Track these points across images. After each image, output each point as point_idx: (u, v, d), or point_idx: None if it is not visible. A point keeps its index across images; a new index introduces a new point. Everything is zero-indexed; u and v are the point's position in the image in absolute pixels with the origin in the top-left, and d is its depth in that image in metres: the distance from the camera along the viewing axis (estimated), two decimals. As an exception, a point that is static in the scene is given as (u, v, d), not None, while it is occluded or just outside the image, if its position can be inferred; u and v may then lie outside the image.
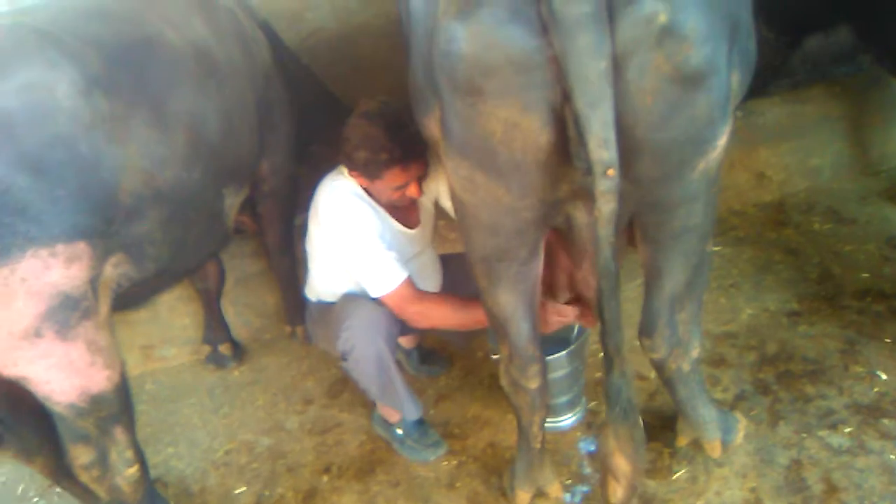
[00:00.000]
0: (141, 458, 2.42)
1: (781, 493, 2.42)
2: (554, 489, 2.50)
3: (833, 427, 2.64)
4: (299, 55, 3.78)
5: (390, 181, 2.51)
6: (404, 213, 2.71)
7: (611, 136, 1.54)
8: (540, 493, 2.52)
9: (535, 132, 1.63)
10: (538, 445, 2.39)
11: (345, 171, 2.63)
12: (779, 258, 3.76)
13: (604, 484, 2.00)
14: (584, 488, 2.58)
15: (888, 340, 3.02)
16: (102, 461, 2.33)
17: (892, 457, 2.47)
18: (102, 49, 2.25)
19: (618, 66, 1.53)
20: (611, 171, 1.56)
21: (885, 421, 2.63)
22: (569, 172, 1.70)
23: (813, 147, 4.34)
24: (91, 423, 2.25)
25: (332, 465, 2.94)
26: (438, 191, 2.77)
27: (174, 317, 3.80)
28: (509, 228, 1.89)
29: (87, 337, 2.18)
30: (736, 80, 1.83)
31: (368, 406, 3.15)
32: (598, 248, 1.68)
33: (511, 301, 2.06)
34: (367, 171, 2.50)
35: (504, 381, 2.30)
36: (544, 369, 2.23)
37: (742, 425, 2.61)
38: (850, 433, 2.60)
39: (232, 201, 2.80)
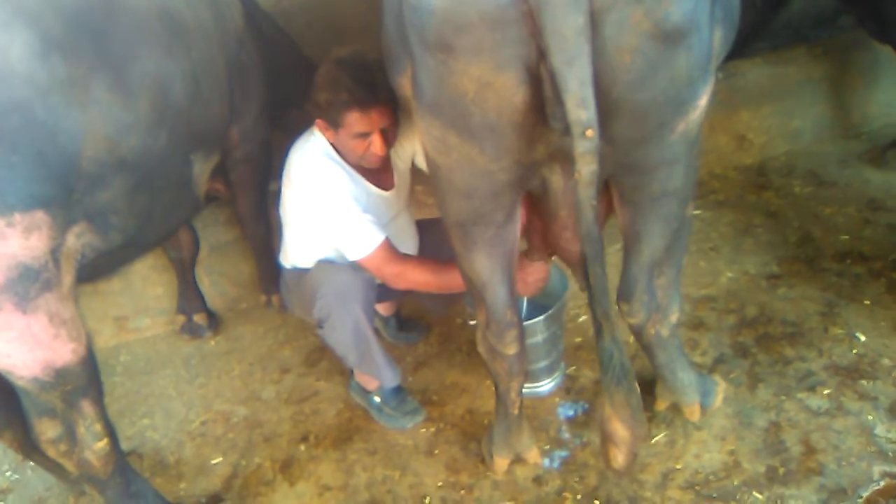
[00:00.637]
0: (111, 432, 2.37)
1: (760, 456, 2.41)
2: (532, 455, 2.49)
3: (812, 389, 2.64)
4: (275, 18, 3.68)
5: (350, 126, 2.42)
6: (378, 174, 2.64)
7: (589, 94, 1.48)
8: (518, 459, 2.51)
9: (510, 91, 1.56)
10: (516, 411, 2.36)
11: (316, 131, 2.55)
12: (759, 221, 3.74)
13: (604, 449, 1.97)
14: (563, 453, 2.57)
15: (867, 302, 3.01)
16: (70, 435, 2.27)
17: (870, 418, 2.47)
18: (61, 9, 2.14)
19: (595, 22, 1.46)
20: (590, 132, 1.51)
21: (864, 382, 2.62)
22: (545, 134, 1.65)
23: (794, 109, 4.31)
24: (56, 397, 2.19)
25: (310, 434, 2.91)
26: (414, 151, 2.71)
27: (148, 287, 3.73)
28: (484, 191, 1.83)
29: (50, 309, 2.11)
30: (718, 38, 1.77)
31: (346, 374, 3.12)
32: (579, 211, 1.62)
33: (487, 265, 2.01)
34: (328, 116, 2.44)
35: (481, 348, 2.26)
36: (522, 335, 2.20)
37: (721, 388, 2.60)
38: (828, 395, 2.60)
39: (201, 168, 2.72)
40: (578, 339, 3.11)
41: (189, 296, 3.64)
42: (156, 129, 2.35)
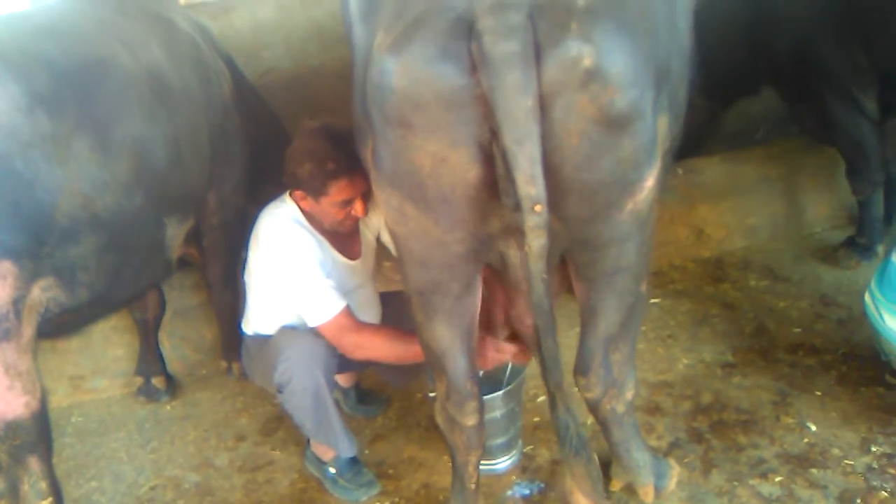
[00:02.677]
0: (56, 491, 2.31)
1: (711, 540, 2.43)
2: (488, 530, 2.47)
3: (764, 476, 2.67)
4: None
5: (336, 194, 2.49)
6: (346, 243, 2.70)
7: (538, 172, 1.57)
8: (472, 537, 2.49)
9: (464, 167, 1.65)
10: (473, 486, 2.36)
11: (287, 199, 2.62)
12: (715, 312, 3.84)
13: None
14: (517, 531, 2.56)
15: (818, 393, 3.08)
16: (13, 492, 2.22)
17: (820, 507, 2.51)
18: (51, 67, 2.22)
19: (544, 106, 1.57)
20: (538, 207, 1.60)
21: (814, 471, 2.67)
22: (498, 209, 1.73)
23: (751, 207, 4.48)
24: (3, 451, 2.16)
25: (261, 504, 2.86)
26: (381, 224, 2.77)
27: (107, 347, 3.70)
28: (439, 262, 1.90)
29: (6, 360, 2.11)
30: (664, 125, 1.88)
31: (302, 444, 3.08)
32: (530, 283, 1.70)
33: (447, 335, 2.05)
34: (312, 186, 2.49)
35: (440, 419, 2.27)
36: (481, 406, 2.22)
37: (675, 472, 2.63)
38: (780, 482, 2.64)
39: (175, 231, 2.75)
40: (536, 419, 3.12)
41: (149, 358, 3.60)
42: (132, 190, 2.40)
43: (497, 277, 2.16)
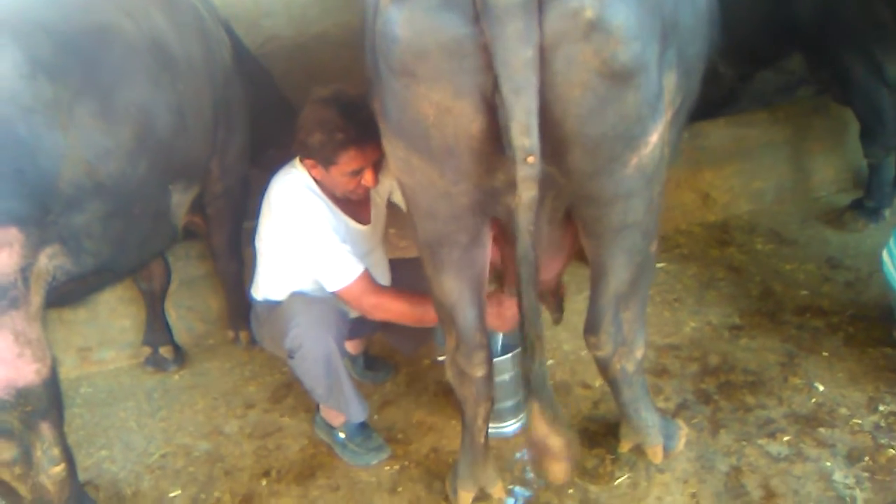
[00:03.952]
0: (69, 458, 2.33)
1: (721, 499, 2.44)
2: (496, 490, 2.48)
3: (772, 436, 2.68)
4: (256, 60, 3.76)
5: (346, 165, 2.48)
6: (356, 208, 2.69)
7: (533, 123, 1.56)
8: (482, 496, 2.50)
9: (467, 118, 1.64)
10: (482, 439, 2.37)
11: (298, 165, 2.60)
12: (722, 275, 3.84)
13: (544, 468, 2.03)
14: (527, 493, 2.57)
15: (826, 354, 3.09)
16: (26, 458, 2.22)
17: (828, 464, 2.52)
18: (53, 33, 2.20)
19: (545, 57, 1.55)
20: (531, 158, 1.59)
21: (822, 430, 2.68)
22: (503, 162, 1.71)
23: (757, 171, 4.46)
24: (15, 418, 2.16)
25: (272, 470, 2.87)
26: (391, 187, 2.76)
27: (114, 318, 3.70)
28: (445, 213, 1.90)
29: (15, 328, 2.10)
30: (671, 81, 1.86)
31: (311, 411, 3.10)
32: (518, 234, 1.71)
33: (456, 287, 2.06)
34: (322, 155, 2.47)
35: (450, 372, 2.28)
36: (490, 358, 2.22)
37: (683, 433, 2.64)
38: (788, 441, 2.65)
39: (180, 199, 2.74)
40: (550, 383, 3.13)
41: (156, 328, 3.61)
42: (136, 158, 2.38)
43: (506, 234, 2.15)
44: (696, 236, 4.26)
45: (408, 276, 2.86)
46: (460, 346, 2.17)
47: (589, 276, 2.19)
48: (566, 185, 1.78)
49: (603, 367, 2.33)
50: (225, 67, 3.08)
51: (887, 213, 4.08)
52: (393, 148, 1.85)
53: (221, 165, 3.11)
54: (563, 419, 2.01)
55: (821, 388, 2.90)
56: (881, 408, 2.76)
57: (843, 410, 2.77)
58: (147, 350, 3.62)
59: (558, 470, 1.99)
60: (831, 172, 4.57)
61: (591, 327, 2.21)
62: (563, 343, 3.37)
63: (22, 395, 2.14)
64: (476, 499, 2.50)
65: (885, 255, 2.81)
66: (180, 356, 3.66)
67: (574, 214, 1.99)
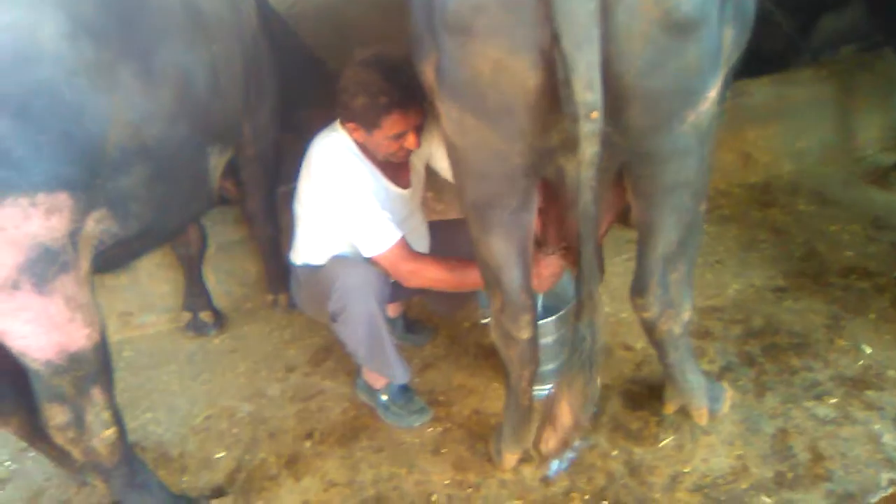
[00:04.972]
0: (119, 421, 2.35)
1: (768, 461, 2.42)
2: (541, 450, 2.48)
3: (818, 398, 2.65)
4: (287, 21, 3.72)
5: (389, 128, 2.45)
6: (397, 172, 2.67)
7: (596, 77, 1.52)
8: (526, 457, 2.51)
9: (524, 74, 1.60)
10: (527, 402, 2.37)
11: (339, 127, 2.58)
12: (764, 237, 3.78)
13: (539, 430, 2.04)
14: (571, 454, 2.56)
15: (872, 316, 3.04)
16: (78, 422, 2.25)
17: (877, 427, 2.49)
18: None
19: (607, 9, 1.51)
20: (594, 114, 1.55)
21: (870, 392, 2.64)
22: (559, 120, 1.67)
23: (800, 130, 4.36)
24: (68, 382, 2.18)
25: (315, 431, 2.90)
26: (430, 152, 2.73)
27: (154, 283, 3.73)
28: (499, 174, 1.87)
29: (66, 292, 2.11)
30: (729, 36, 1.80)
31: (352, 374, 3.12)
32: (580, 190, 1.68)
33: (503, 249, 2.03)
34: (365, 119, 2.45)
35: (495, 334, 2.27)
36: (535, 320, 2.21)
37: (728, 395, 2.61)
38: (835, 404, 2.62)
39: (216, 162, 2.73)
40: (585, 345, 3.12)
41: (195, 293, 3.64)
42: (177, 119, 2.37)
43: (552, 193, 2.12)
44: (737, 197, 4.19)
45: (446, 239, 2.85)
46: (506, 308, 2.15)
47: (636, 238, 2.16)
48: (621, 142, 1.74)
49: (649, 328, 2.30)
50: (252, 28, 3.05)
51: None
52: (447, 109, 1.81)
53: (253, 128, 3.10)
54: (590, 396, 1.99)
55: (868, 350, 2.86)
56: (931, 370, 2.72)
57: (891, 373, 2.72)
58: (187, 315, 3.66)
59: (548, 441, 1.99)
60: (876, 131, 4.45)
61: (638, 289, 2.18)
62: (603, 305, 3.34)
63: (74, 360, 2.16)
64: (519, 461, 2.51)
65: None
66: (220, 320, 3.70)
67: (626, 173, 1.95)
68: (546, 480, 2.49)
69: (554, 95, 1.60)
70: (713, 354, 2.95)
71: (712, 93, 1.74)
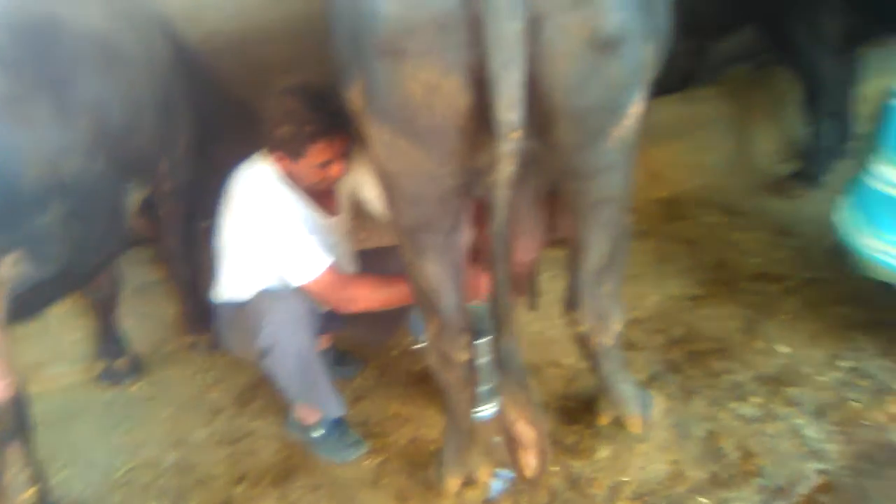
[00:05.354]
0: (42, 477, 2.22)
1: (701, 463, 2.49)
2: (483, 473, 2.47)
3: (742, 398, 2.75)
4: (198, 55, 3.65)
5: (315, 157, 2.43)
6: (323, 201, 2.64)
7: (518, 98, 1.55)
8: (468, 481, 2.49)
9: (455, 95, 1.62)
10: (467, 425, 2.36)
11: (263, 158, 2.54)
12: (677, 249, 3.92)
13: (514, 459, 2.03)
14: (510, 474, 2.56)
15: (784, 317, 3.19)
16: (-5, 480, 2.12)
17: (799, 421, 2.60)
18: (5, 26, 2.09)
19: (534, 29, 1.54)
20: (514, 134, 1.58)
21: (789, 390, 2.76)
22: (488, 139, 1.70)
23: (703, 146, 4.58)
24: (-15, 438, 2.06)
25: (247, 474, 2.79)
26: (358, 182, 2.71)
27: (64, 332, 3.53)
28: (432, 196, 1.87)
29: (-20, 342, 2.00)
30: (650, 53, 1.88)
31: (281, 413, 3.03)
32: (494, 210, 1.69)
33: (438, 271, 2.03)
34: (291, 148, 2.42)
35: (432, 359, 2.25)
36: (473, 341, 2.21)
37: (658, 402, 2.68)
38: (758, 403, 2.72)
39: (134, 198, 2.65)
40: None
41: (109, 339, 3.47)
42: (94, 154, 2.29)
43: (485, 212, 2.13)
44: (649, 213, 4.32)
45: (374, 267, 2.83)
46: (444, 331, 2.15)
47: (558, 255, 2.21)
48: (550, 159, 1.77)
49: (583, 342, 2.34)
50: (166, 62, 2.99)
51: (827, 179, 4.23)
52: (378, 133, 1.80)
53: (170, 163, 3.02)
54: (535, 402, 2.01)
55: (783, 349, 2.99)
56: (841, 364, 2.87)
57: (807, 369, 2.86)
58: (102, 364, 3.48)
59: (529, 460, 2.00)
60: (773, 144, 4.72)
61: (572, 304, 2.22)
62: (529, 324, 3.37)
63: (-11, 416, 2.04)
64: (462, 484, 2.48)
65: (838, 219, 2.89)
66: (137, 367, 3.53)
67: (556, 190, 1.99)
68: (489, 502, 2.47)
69: (484, 116, 1.63)
70: (639, 365, 3.02)
71: (636, 108, 1.80)
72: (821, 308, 3.20)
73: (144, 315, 3.70)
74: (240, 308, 2.64)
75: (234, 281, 2.67)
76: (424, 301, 2.15)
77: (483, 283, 2.41)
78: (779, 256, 3.67)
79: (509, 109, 1.55)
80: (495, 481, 2.52)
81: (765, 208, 4.18)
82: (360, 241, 3.43)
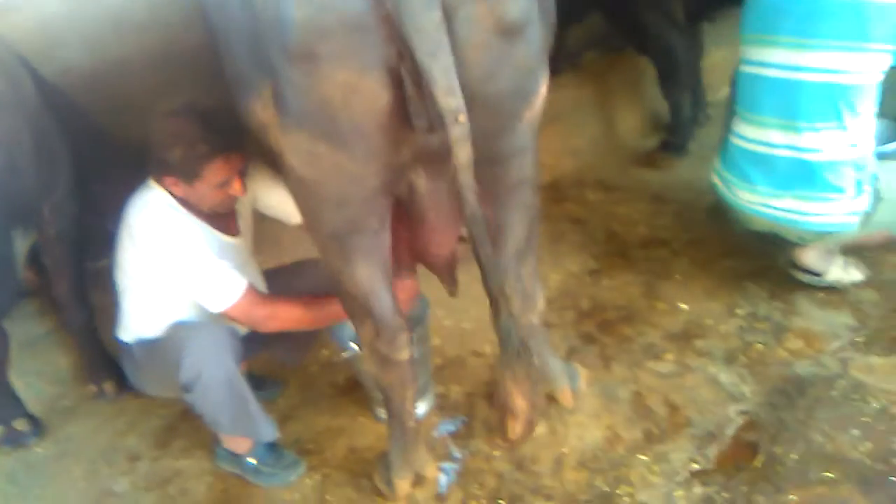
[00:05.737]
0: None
1: (633, 423, 2.62)
2: (430, 470, 2.50)
3: (657, 357, 2.93)
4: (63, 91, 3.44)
5: (212, 177, 2.34)
6: (224, 222, 2.55)
7: (455, 83, 1.58)
8: (418, 480, 2.50)
9: (375, 94, 1.63)
10: (412, 423, 2.37)
11: (154, 185, 2.42)
12: (567, 228, 4.08)
13: (502, 422, 2.09)
14: (455, 466, 2.60)
15: (679, 277, 3.41)
16: None
17: (712, 370, 2.80)
18: None
19: (447, 20, 1.57)
20: (461, 117, 1.61)
21: (698, 342, 2.97)
22: (409, 135, 1.73)
23: (572, 130, 4.77)
24: None
25: (184, 516, 2.69)
26: (254, 195, 2.66)
27: (-51, 402, 3.24)
28: (357, 197, 1.88)
29: None
30: (546, 36, 1.97)
31: (207, 447, 2.91)
32: (463, 195, 1.73)
33: (368, 274, 2.04)
34: (185, 171, 2.32)
35: (371, 363, 2.24)
36: (411, 339, 2.22)
37: (582, 373, 2.80)
38: (672, 359, 2.90)
39: (20, 247, 2.48)
40: (438, 361, 3.17)
41: (4, 402, 3.21)
42: None
43: (399, 213, 2.15)
44: (535, 198, 4.48)
45: (281, 287, 2.77)
46: (381, 333, 2.14)
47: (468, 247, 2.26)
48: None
49: (511, 324, 2.39)
50: (35, 102, 2.82)
51: (691, 147, 4.54)
52: (294, 141, 1.78)
53: (51, 207, 2.85)
54: (535, 378, 2.09)
55: (684, 306, 3.20)
56: (739, 311, 3.10)
57: (709, 321, 3.07)
58: (-1, 428, 3.22)
59: (513, 429, 2.05)
60: (635, 121, 5.00)
61: (498, 288, 2.27)
62: (442, 319, 3.42)
63: None
64: (412, 485, 2.49)
65: (715, 178, 3.12)
66: (38, 426, 3.28)
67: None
68: (440, 497, 2.50)
69: (403, 111, 1.65)
70: (556, 341, 3.13)
71: (543, 88, 1.89)
72: (710, 264, 3.45)
73: (36, 372, 3.44)
74: (152, 345, 2.52)
75: (142, 317, 2.54)
76: (356, 307, 2.14)
77: (402, 293, 2.42)
78: (662, 223, 3.91)
79: (448, 95, 1.57)
80: (442, 476, 2.55)
81: (640, 180, 4.44)
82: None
